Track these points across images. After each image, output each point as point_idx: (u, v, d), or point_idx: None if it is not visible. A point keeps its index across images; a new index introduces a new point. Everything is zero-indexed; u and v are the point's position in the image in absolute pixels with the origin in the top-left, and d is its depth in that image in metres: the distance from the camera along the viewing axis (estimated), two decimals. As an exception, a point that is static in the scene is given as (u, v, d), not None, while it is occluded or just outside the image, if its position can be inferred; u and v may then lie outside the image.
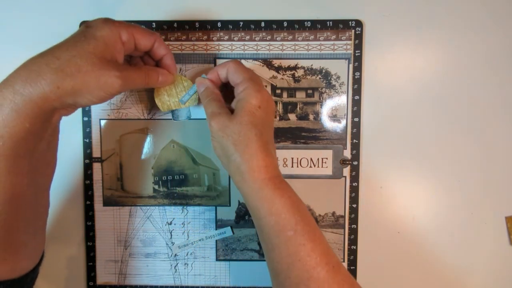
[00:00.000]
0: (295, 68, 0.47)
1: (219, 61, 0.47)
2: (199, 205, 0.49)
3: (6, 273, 0.34)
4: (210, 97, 0.41)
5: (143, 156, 0.48)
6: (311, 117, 0.48)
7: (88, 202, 0.48)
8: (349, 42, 0.47)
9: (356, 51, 0.47)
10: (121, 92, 0.37)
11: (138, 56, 0.42)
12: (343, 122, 0.48)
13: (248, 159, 0.37)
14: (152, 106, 0.48)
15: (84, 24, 0.36)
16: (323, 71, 0.47)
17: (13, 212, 0.34)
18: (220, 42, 0.47)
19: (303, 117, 0.48)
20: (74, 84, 0.33)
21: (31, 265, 0.37)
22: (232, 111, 0.40)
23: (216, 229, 0.49)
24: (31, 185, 0.35)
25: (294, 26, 0.47)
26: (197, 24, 0.47)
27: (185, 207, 0.49)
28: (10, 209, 0.33)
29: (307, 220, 0.37)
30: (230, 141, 0.38)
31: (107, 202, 0.49)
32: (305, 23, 0.47)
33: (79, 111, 0.48)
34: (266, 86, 0.48)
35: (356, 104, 0.47)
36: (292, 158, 0.48)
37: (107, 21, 0.36)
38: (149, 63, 0.43)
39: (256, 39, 0.47)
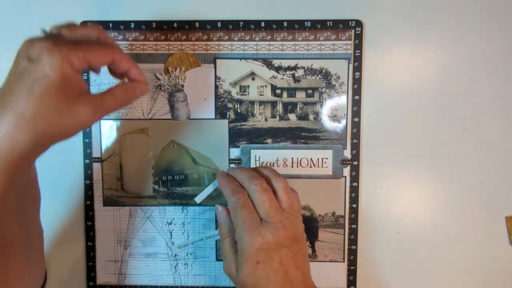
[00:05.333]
0: (295, 68, 0.47)
1: (219, 61, 0.47)
2: (199, 205, 0.49)
3: None
4: (225, 239, 0.40)
5: (143, 156, 0.48)
6: (311, 117, 0.48)
7: (88, 202, 0.48)
8: (349, 42, 0.47)
9: (356, 51, 0.47)
10: (98, 120, 0.36)
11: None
12: (343, 122, 0.48)
13: None
14: (152, 106, 0.48)
15: (25, 55, 0.30)
16: (323, 71, 0.47)
17: (4, 250, 0.33)
18: (220, 42, 0.47)
19: (303, 117, 0.48)
20: (45, 133, 0.31)
21: None
22: None
23: (216, 229, 0.49)
24: (18, 219, 0.34)
25: (294, 26, 0.47)
26: (197, 24, 0.47)
27: (185, 207, 0.49)
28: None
29: None
30: None
31: (107, 202, 0.49)
32: (305, 23, 0.47)
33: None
34: (266, 86, 0.48)
35: (356, 104, 0.47)
36: (292, 158, 0.48)
37: (52, 49, 0.30)
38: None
39: (256, 39, 0.47)
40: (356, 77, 0.47)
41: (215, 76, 0.47)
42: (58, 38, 0.32)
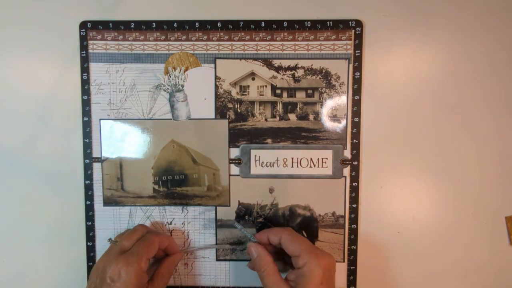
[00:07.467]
0: (295, 68, 0.47)
1: (219, 61, 0.47)
2: (199, 205, 0.49)
3: None
4: (265, 270, 0.41)
5: (143, 156, 0.48)
6: (311, 117, 0.48)
7: (88, 202, 0.48)
8: (349, 42, 0.47)
9: (356, 51, 0.47)
10: None
11: None
12: (343, 122, 0.48)
13: None
14: (152, 106, 0.48)
15: (105, 277, 0.40)
16: (323, 71, 0.47)
17: None
18: (220, 42, 0.47)
19: (303, 117, 0.48)
20: None
21: None
22: (287, 280, 0.41)
23: (216, 229, 0.49)
24: None
25: (294, 26, 0.47)
26: (197, 24, 0.47)
27: (185, 207, 0.49)
28: None
29: None
30: None
31: (107, 202, 0.49)
32: (305, 23, 0.47)
33: (79, 111, 0.48)
34: (266, 86, 0.48)
35: (356, 104, 0.47)
36: (292, 158, 0.48)
37: (126, 268, 0.40)
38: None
39: (256, 39, 0.47)
40: (356, 77, 0.47)
41: (215, 76, 0.47)
42: (126, 254, 0.41)
